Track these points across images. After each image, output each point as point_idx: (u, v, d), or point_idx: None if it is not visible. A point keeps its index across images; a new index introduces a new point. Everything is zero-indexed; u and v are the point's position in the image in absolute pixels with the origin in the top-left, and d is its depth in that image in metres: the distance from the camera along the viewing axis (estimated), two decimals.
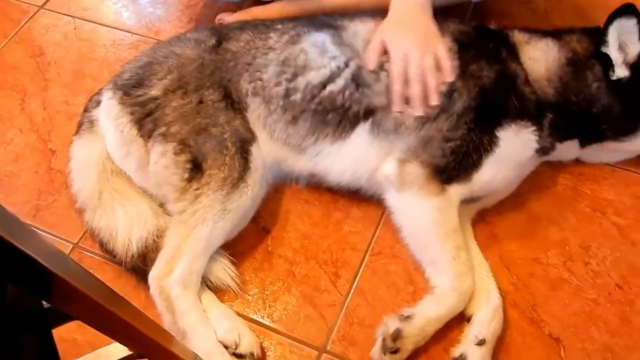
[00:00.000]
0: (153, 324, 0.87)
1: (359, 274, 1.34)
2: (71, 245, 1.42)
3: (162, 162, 1.32)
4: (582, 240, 1.35)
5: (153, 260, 1.29)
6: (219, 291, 1.32)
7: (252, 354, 1.21)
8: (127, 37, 1.89)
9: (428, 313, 1.19)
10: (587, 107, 1.32)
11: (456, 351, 1.19)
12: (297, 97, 1.36)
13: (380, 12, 1.42)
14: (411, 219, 1.30)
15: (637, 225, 1.36)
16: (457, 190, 1.26)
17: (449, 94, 1.29)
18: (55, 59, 1.83)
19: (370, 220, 1.42)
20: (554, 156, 1.40)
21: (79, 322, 0.74)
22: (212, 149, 1.31)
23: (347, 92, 1.34)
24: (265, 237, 1.41)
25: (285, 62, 1.38)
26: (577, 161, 1.46)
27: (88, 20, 1.94)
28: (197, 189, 1.29)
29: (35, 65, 1.81)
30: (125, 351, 0.84)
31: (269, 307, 1.31)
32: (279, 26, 1.46)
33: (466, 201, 1.32)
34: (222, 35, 1.46)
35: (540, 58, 1.34)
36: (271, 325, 1.29)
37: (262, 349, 1.24)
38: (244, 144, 1.34)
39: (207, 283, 1.31)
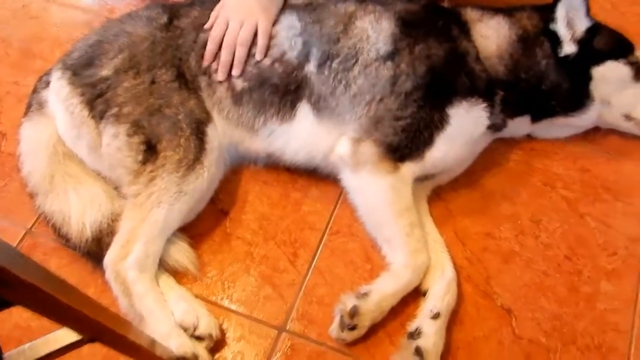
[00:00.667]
0: (102, 308, 0.86)
1: (318, 254, 1.35)
2: (24, 231, 1.39)
3: (114, 144, 1.30)
4: (532, 214, 1.39)
5: (108, 245, 1.27)
6: (177, 274, 1.32)
7: (210, 336, 1.21)
8: (79, 15, 1.83)
9: (384, 289, 1.21)
10: (537, 84, 1.35)
11: (412, 325, 1.21)
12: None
13: None
14: (366, 197, 1.32)
15: (584, 198, 1.40)
16: (410, 168, 1.28)
17: (394, 75, 1.30)
18: (4, 37, 1.77)
19: (328, 200, 1.43)
20: (506, 132, 1.43)
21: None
22: (166, 130, 1.29)
23: (273, 68, 1.34)
24: (223, 219, 1.41)
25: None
26: (529, 137, 1.49)
27: None
28: (151, 171, 1.28)
29: None
30: (75, 336, 0.83)
31: (228, 288, 1.32)
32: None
33: (421, 179, 1.35)
34: (173, 12, 1.44)
35: (491, 35, 1.36)
36: (230, 306, 1.29)
37: (222, 330, 1.25)
38: (199, 125, 1.32)
39: (164, 266, 1.30)
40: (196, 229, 1.37)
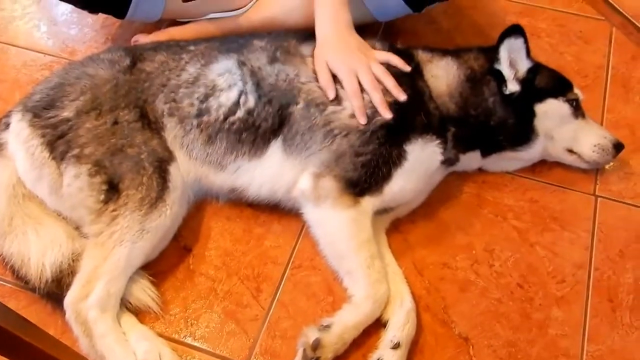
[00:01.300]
0: (67, 349, 0.87)
1: (281, 287, 1.37)
2: None
3: (76, 184, 1.30)
4: (486, 244, 1.44)
5: (69, 285, 1.26)
6: (139, 312, 1.31)
7: None
8: (40, 57, 1.84)
9: (346, 321, 1.24)
10: (486, 120, 1.43)
11: (373, 356, 1.24)
12: (211, 117, 1.39)
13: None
14: (327, 231, 1.35)
15: (533, 228, 1.47)
16: (369, 202, 1.32)
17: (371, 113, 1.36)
18: None
19: (290, 234, 1.46)
20: (459, 166, 1.50)
21: None
22: (128, 170, 1.31)
23: (255, 112, 1.38)
24: (186, 256, 1.42)
25: (197, 83, 1.41)
26: (480, 170, 1.56)
27: None
28: (113, 210, 1.28)
29: None
30: None
31: (191, 325, 1.32)
32: (192, 47, 1.48)
33: (380, 212, 1.39)
34: (136, 55, 1.46)
35: (441, 75, 1.44)
36: (194, 343, 1.29)
37: None
38: (162, 164, 1.34)
39: (126, 305, 1.30)
40: (159, 267, 1.38)
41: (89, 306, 1.22)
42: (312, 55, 1.44)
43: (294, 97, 1.38)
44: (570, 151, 1.51)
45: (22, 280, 1.32)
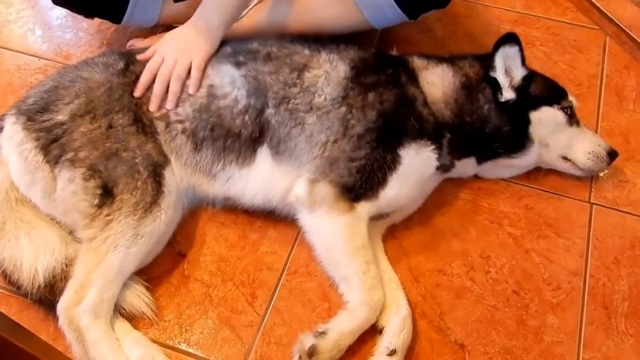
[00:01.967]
0: (60, 355, 0.85)
1: (276, 294, 1.36)
2: None
3: (70, 188, 1.29)
4: (482, 250, 1.45)
5: (62, 290, 1.25)
6: (133, 318, 1.30)
7: None
8: (34, 61, 1.83)
9: (341, 328, 1.23)
10: (481, 127, 1.44)
11: None
12: (193, 124, 1.38)
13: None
14: (323, 236, 1.34)
15: (529, 234, 1.48)
16: (365, 208, 1.32)
17: (345, 119, 1.35)
18: None
19: (286, 240, 1.45)
20: (455, 173, 1.50)
21: None
22: (123, 174, 1.30)
23: (239, 119, 1.37)
24: (181, 262, 1.41)
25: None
26: (476, 177, 1.57)
27: None
28: (107, 215, 1.27)
29: None
30: None
31: (186, 331, 1.30)
32: None
33: (375, 218, 1.39)
34: (129, 58, 1.46)
35: (437, 82, 1.44)
36: (188, 350, 1.28)
37: None
38: (157, 168, 1.33)
39: (120, 311, 1.28)
40: (153, 272, 1.37)
41: (82, 312, 1.20)
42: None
43: (265, 101, 1.38)
44: (565, 158, 1.51)
45: (14, 286, 1.31)
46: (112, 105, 1.36)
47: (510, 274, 1.41)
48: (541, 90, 1.48)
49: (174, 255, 1.41)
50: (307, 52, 1.45)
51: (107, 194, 1.28)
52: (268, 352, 1.27)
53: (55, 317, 1.23)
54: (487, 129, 1.44)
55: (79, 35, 1.91)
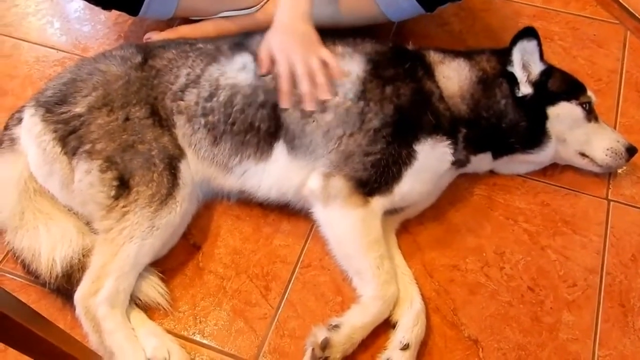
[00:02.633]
0: (77, 343, 0.87)
1: (289, 287, 1.37)
2: None
3: (87, 180, 1.31)
4: (496, 246, 1.44)
5: (79, 280, 1.26)
6: (149, 309, 1.31)
7: None
8: (52, 53, 1.85)
9: (354, 321, 1.23)
10: (497, 122, 1.42)
11: (382, 357, 1.24)
12: (215, 117, 1.38)
13: None
14: (337, 230, 1.34)
15: (545, 231, 1.46)
16: (379, 202, 1.32)
17: (362, 113, 1.35)
18: None
19: (299, 234, 1.45)
20: (470, 168, 1.49)
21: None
22: (139, 166, 1.31)
23: (258, 113, 1.37)
24: (195, 254, 1.42)
25: (203, 82, 1.41)
26: (491, 173, 1.56)
27: (10, 37, 1.89)
28: (124, 207, 1.28)
29: None
30: None
31: (200, 323, 1.32)
32: (200, 45, 1.48)
33: (389, 212, 1.39)
34: (147, 52, 1.47)
35: (453, 77, 1.43)
36: (202, 341, 1.29)
37: None
38: (172, 161, 1.34)
39: (136, 301, 1.30)
40: (168, 264, 1.38)
41: (98, 302, 1.22)
42: None
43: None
44: (583, 155, 1.50)
45: (32, 275, 1.33)
46: (129, 98, 1.37)
47: (525, 270, 1.40)
48: (559, 85, 1.46)
49: (189, 247, 1.43)
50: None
51: (123, 186, 1.30)
52: (281, 345, 1.28)
53: (72, 306, 1.25)
54: (504, 124, 1.42)
55: (97, 28, 1.92)
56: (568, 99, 1.45)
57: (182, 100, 1.40)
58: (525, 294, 1.36)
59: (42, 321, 0.77)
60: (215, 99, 1.39)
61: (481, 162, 1.48)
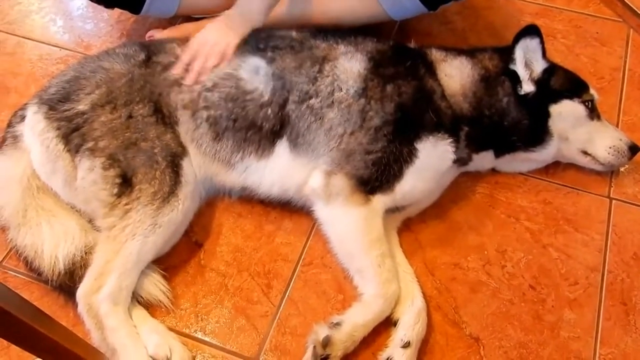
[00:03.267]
0: (80, 340, 0.87)
1: (291, 284, 1.37)
2: None
3: (90, 177, 1.31)
4: (498, 244, 1.44)
5: (81, 278, 1.27)
6: (150, 306, 1.32)
7: None
8: (55, 51, 1.86)
9: (356, 319, 1.23)
10: (499, 120, 1.42)
11: (383, 354, 1.24)
12: (217, 112, 1.39)
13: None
14: (338, 229, 1.35)
15: (546, 229, 1.46)
16: (381, 200, 1.32)
17: (363, 111, 1.35)
18: None
19: (301, 232, 1.46)
20: (472, 166, 1.49)
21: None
22: (142, 164, 1.31)
23: (261, 111, 1.37)
24: (197, 251, 1.42)
25: (209, 76, 1.41)
26: (493, 171, 1.56)
27: (13, 34, 1.90)
28: (126, 204, 1.29)
29: None
30: None
31: (202, 320, 1.32)
32: None
33: (391, 211, 1.39)
34: (151, 49, 1.47)
35: (455, 75, 1.43)
36: (204, 338, 1.29)
37: None
38: (175, 158, 1.35)
39: (138, 299, 1.30)
40: (170, 261, 1.38)
41: (100, 299, 1.22)
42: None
43: (288, 96, 1.38)
44: (585, 153, 1.49)
45: (35, 272, 1.33)
46: (132, 95, 1.38)
47: (527, 268, 1.40)
48: (562, 83, 1.46)
49: (191, 244, 1.43)
50: (325, 45, 1.45)
51: (126, 184, 1.30)
52: (283, 342, 1.28)
53: (74, 303, 1.25)
54: (506, 122, 1.42)
55: (100, 26, 1.92)
56: (570, 97, 1.44)
57: (187, 93, 1.40)
58: (526, 292, 1.36)
59: (45, 318, 0.78)
60: (217, 92, 1.39)
61: (483, 160, 1.48)
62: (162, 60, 1.44)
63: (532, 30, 1.40)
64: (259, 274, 1.39)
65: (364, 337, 1.24)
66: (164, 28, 1.76)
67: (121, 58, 1.45)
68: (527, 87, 1.42)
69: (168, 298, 1.32)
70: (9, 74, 1.79)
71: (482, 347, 1.28)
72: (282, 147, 1.38)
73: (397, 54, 1.45)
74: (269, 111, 1.37)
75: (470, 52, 1.49)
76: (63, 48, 1.86)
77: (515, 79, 1.42)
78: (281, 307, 1.34)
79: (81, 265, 1.29)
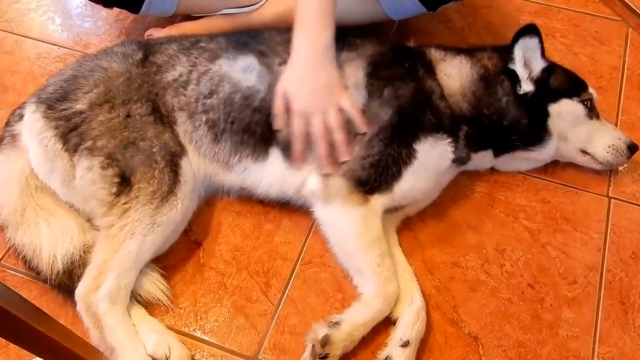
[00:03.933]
0: (78, 339, 0.87)
1: (290, 283, 1.37)
2: None
3: (88, 176, 1.31)
4: (497, 243, 1.44)
5: (80, 277, 1.27)
6: (149, 305, 1.32)
7: None
8: (54, 50, 1.85)
9: (355, 319, 1.23)
10: (499, 120, 1.42)
11: (383, 353, 1.24)
12: (215, 115, 1.38)
13: None
14: (337, 229, 1.35)
15: (545, 228, 1.46)
16: (379, 200, 1.32)
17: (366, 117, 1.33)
18: None
19: (300, 231, 1.45)
20: (471, 166, 1.49)
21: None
22: (140, 163, 1.31)
23: (254, 117, 1.37)
24: (196, 250, 1.42)
25: (204, 79, 1.41)
26: (492, 170, 1.56)
27: (11, 33, 1.89)
28: (125, 203, 1.29)
29: None
30: None
31: (201, 319, 1.32)
32: (202, 43, 1.48)
33: (390, 210, 1.39)
34: (148, 48, 1.47)
35: (454, 74, 1.43)
36: (203, 337, 1.29)
37: None
38: (174, 158, 1.34)
39: (136, 297, 1.30)
40: (169, 260, 1.38)
41: (99, 298, 1.22)
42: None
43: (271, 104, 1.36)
44: (584, 152, 1.50)
45: (33, 271, 1.33)
46: (130, 94, 1.37)
47: (525, 267, 1.40)
48: (561, 82, 1.46)
49: (190, 243, 1.43)
50: None
51: (124, 183, 1.30)
52: (282, 341, 1.28)
53: (73, 302, 1.25)
54: (505, 121, 1.42)
55: (98, 25, 1.92)
56: (570, 96, 1.44)
57: (183, 96, 1.40)
58: (525, 291, 1.36)
59: (44, 317, 0.77)
60: (215, 96, 1.39)
61: (482, 159, 1.48)
62: (158, 61, 1.43)
63: (531, 30, 1.40)
64: (258, 273, 1.39)
65: (363, 336, 1.24)
66: (163, 27, 1.75)
67: (119, 57, 1.44)
68: (526, 87, 1.42)
69: (167, 297, 1.32)
70: (7, 72, 1.78)
71: (481, 346, 1.28)
72: (275, 154, 1.38)
73: (395, 55, 1.44)
74: (259, 117, 1.37)
75: (469, 52, 1.49)
76: (61, 46, 1.86)
77: (514, 79, 1.42)
78: (280, 306, 1.34)
79: (80, 264, 1.29)
